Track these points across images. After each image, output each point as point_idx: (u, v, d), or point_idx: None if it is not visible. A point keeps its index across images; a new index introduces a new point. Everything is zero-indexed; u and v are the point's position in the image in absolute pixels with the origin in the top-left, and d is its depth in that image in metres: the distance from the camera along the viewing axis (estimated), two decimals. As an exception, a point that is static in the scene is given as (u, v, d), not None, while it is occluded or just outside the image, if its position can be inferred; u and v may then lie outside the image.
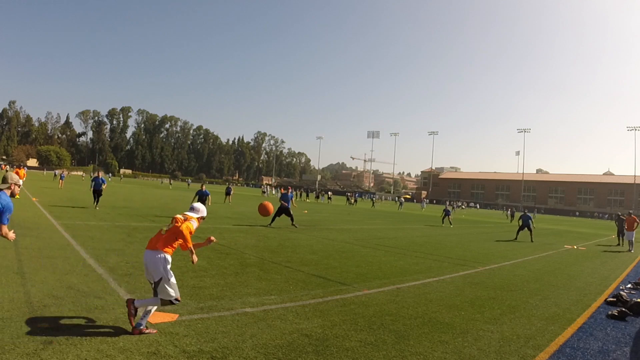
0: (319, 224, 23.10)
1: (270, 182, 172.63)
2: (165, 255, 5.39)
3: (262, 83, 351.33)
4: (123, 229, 14.13)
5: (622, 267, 15.11)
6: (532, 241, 22.10)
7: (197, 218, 5.99)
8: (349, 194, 59.67)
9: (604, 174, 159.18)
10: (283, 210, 20.32)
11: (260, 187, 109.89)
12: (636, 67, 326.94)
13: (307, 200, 63.14)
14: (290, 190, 22.36)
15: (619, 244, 24.87)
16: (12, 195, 5.80)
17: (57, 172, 76.62)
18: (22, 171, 25.80)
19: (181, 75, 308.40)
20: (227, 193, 39.00)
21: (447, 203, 58.04)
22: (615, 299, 8.82)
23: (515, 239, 22.62)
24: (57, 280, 6.85)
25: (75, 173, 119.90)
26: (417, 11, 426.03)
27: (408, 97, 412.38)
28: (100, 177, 21.98)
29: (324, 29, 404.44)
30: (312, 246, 14.08)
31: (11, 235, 5.31)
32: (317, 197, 68.77)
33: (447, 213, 34.77)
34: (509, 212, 73.25)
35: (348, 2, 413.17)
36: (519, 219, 24.22)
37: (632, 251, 21.01)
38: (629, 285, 11.07)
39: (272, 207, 18.10)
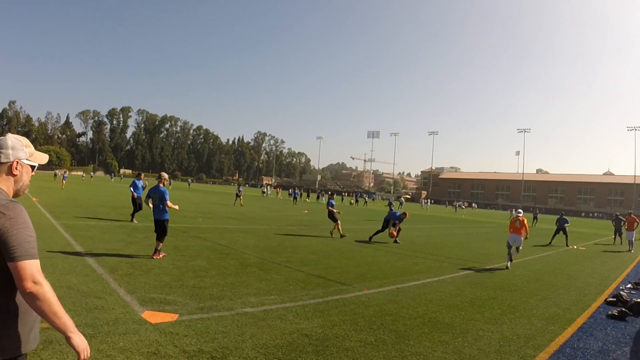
0: (319, 224, 23.10)
1: (270, 182, 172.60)
2: (522, 236, 12.75)
3: (262, 83, 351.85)
4: (123, 229, 14.13)
5: (622, 267, 15.11)
6: (567, 245, 21.39)
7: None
8: (344, 193, 59.65)
9: (604, 174, 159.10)
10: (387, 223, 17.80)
11: (260, 187, 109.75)
12: (636, 67, 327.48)
13: (307, 200, 63.17)
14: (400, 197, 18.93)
15: (614, 244, 24.96)
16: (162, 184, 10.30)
17: (59, 172, 76.55)
18: None
19: (181, 75, 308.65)
20: (238, 195, 37.31)
21: (393, 198, 54.82)
22: (615, 299, 8.82)
23: (550, 243, 22.08)
24: (56, 280, 6.84)
25: (75, 173, 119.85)
26: (417, 11, 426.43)
27: (408, 97, 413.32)
28: (142, 180, 18.46)
29: (324, 29, 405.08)
30: (312, 246, 14.08)
31: (176, 206, 10.35)
32: (318, 197, 68.73)
33: (390, 206, 34.54)
34: (513, 212, 73.23)
35: (348, 2, 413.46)
36: (556, 222, 23.19)
37: (632, 251, 21.02)
38: (629, 285, 11.06)
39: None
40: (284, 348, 4.90)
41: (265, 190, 76.31)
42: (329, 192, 20.53)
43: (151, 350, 4.50)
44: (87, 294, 6.27)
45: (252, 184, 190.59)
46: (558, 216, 23.89)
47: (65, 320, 1.99)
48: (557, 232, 22.76)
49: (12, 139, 2.17)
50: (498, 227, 37.00)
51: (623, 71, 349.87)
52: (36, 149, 2.24)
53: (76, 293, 6.27)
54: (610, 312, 7.87)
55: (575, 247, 21.34)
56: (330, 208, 18.16)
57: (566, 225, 22.54)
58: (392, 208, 32.61)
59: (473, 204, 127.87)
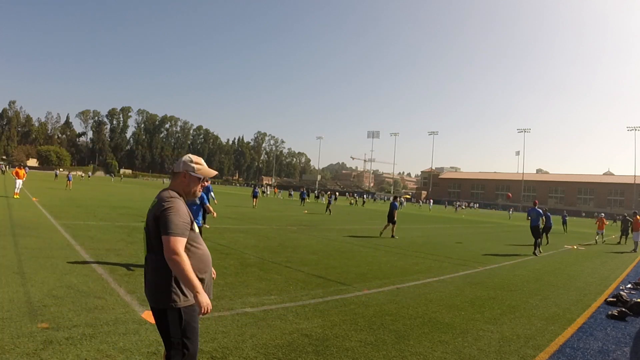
0: (319, 224, 23.10)
1: (270, 182, 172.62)
2: (603, 230, 24.27)
3: (262, 83, 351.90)
4: (123, 229, 14.13)
5: (622, 267, 15.11)
6: (547, 243, 21.58)
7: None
8: (331, 192, 59.16)
9: (604, 174, 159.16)
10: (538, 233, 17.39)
11: (261, 187, 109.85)
12: (636, 67, 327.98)
13: (307, 200, 63.20)
14: (541, 206, 18.08)
15: (619, 243, 25.03)
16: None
17: (59, 172, 76.32)
18: (22, 171, 25.76)
19: (181, 75, 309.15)
20: (255, 196, 35.74)
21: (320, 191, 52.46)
22: (615, 299, 8.82)
23: (547, 242, 21.99)
24: (57, 280, 6.84)
25: (74, 173, 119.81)
26: (417, 11, 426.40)
27: (408, 97, 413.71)
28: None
29: (324, 29, 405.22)
30: (312, 246, 14.08)
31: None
32: (317, 197, 68.74)
33: (329, 201, 34.69)
34: (523, 212, 73.08)
35: (348, 2, 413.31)
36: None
37: (638, 251, 20.95)
38: (629, 285, 11.06)
39: None
40: (284, 348, 4.90)
41: (265, 190, 76.54)
42: (394, 196, 21.45)
43: (151, 350, 4.50)
44: (87, 293, 6.27)
45: (253, 183, 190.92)
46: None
47: (194, 284, 2.68)
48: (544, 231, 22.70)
49: (186, 157, 3.10)
50: (498, 227, 36.99)
51: (623, 71, 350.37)
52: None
53: (76, 293, 6.27)
54: (610, 312, 7.86)
55: (575, 247, 21.33)
56: (395, 210, 19.62)
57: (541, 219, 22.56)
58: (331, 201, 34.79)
59: (474, 204, 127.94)
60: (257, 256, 11.12)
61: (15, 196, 23.49)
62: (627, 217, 26.38)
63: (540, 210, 17.55)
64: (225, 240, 13.73)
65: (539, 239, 17.29)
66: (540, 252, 17.05)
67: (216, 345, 4.78)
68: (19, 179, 24.88)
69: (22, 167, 26.74)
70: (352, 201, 68.51)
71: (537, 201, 18.75)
